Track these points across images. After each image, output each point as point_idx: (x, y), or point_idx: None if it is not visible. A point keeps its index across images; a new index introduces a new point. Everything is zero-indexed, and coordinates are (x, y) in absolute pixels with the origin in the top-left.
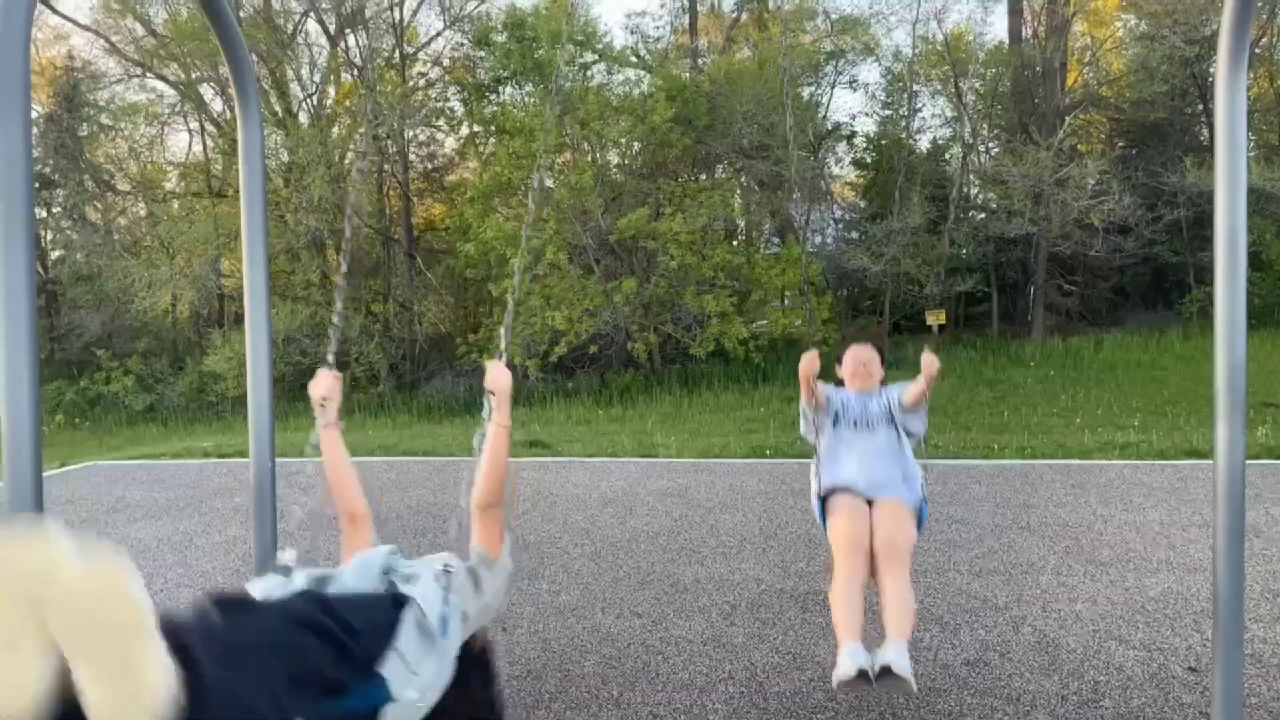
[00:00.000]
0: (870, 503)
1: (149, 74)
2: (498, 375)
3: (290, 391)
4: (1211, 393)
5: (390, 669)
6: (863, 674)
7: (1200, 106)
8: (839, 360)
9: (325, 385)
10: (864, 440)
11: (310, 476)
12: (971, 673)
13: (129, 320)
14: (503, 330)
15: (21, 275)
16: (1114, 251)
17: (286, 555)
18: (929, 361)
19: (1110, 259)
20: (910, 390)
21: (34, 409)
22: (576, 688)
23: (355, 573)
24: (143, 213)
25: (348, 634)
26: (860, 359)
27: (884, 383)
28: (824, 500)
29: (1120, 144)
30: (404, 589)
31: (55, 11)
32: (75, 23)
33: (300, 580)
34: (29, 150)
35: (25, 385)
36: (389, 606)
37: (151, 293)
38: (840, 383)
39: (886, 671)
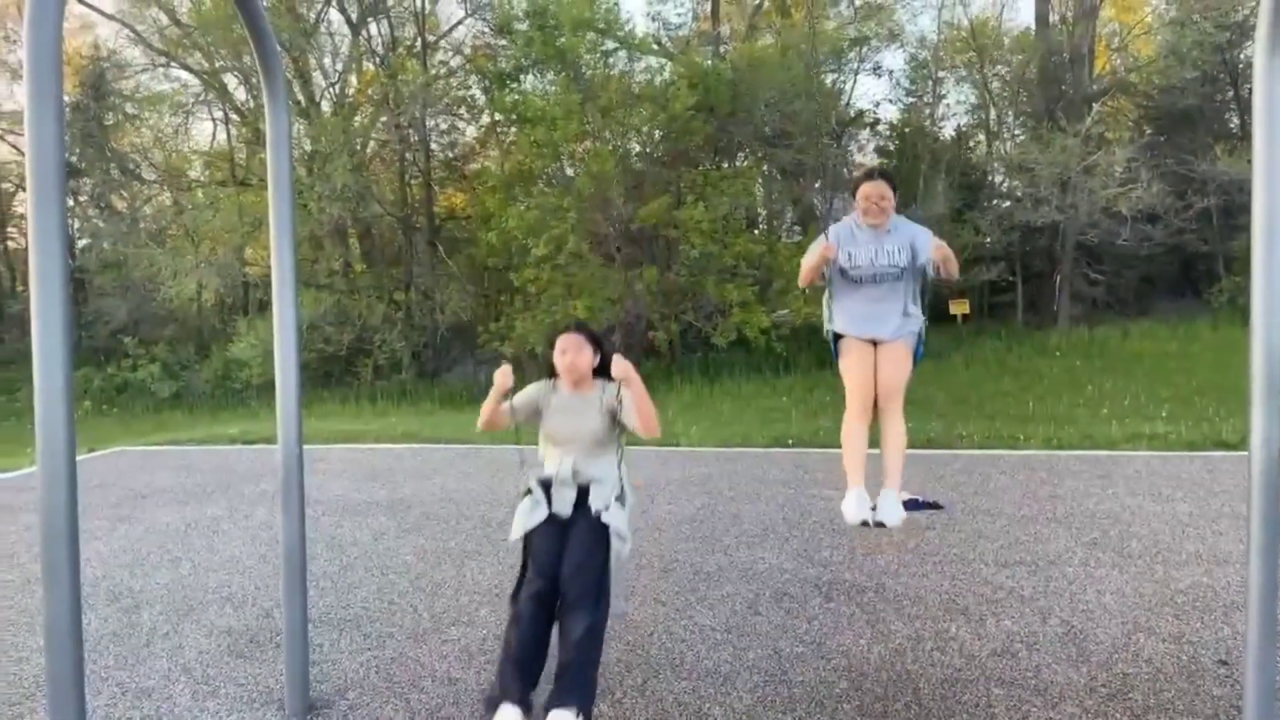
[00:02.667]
0: (875, 343)
1: (173, 63)
2: (625, 365)
3: (315, 378)
4: (1245, 382)
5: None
6: (864, 523)
7: (1231, 93)
8: (853, 192)
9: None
10: (869, 291)
11: (333, 463)
12: (998, 664)
13: (155, 308)
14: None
15: (56, 264)
16: (1142, 240)
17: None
18: (938, 250)
19: (1138, 248)
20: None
21: (67, 396)
22: (601, 675)
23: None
24: (168, 201)
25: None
26: (873, 196)
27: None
28: (836, 338)
29: (1149, 131)
30: (608, 519)
31: (81, 1)
32: (101, 12)
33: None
34: (61, 141)
35: (59, 373)
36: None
37: (177, 280)
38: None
39: (879, 522)
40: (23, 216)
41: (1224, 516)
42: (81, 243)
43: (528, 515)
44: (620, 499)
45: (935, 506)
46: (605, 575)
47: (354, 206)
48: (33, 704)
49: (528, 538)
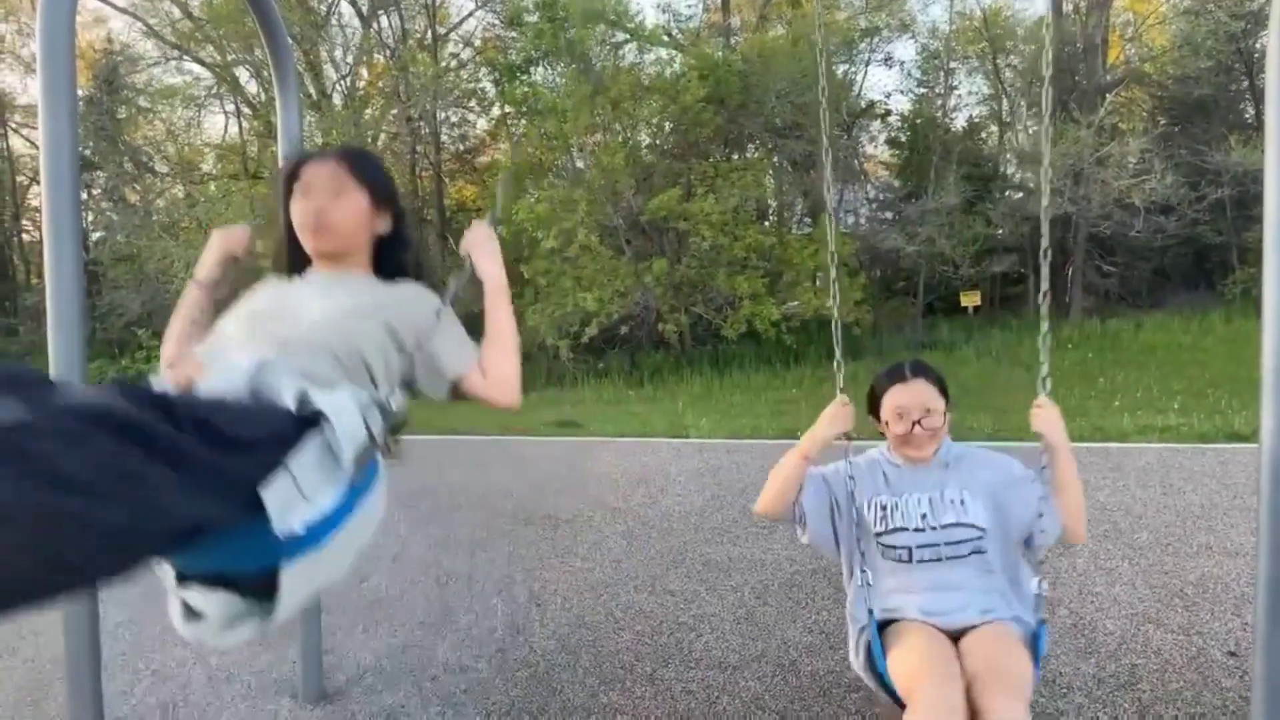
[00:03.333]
0: (953, 635)
1: (186, 57)
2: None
3: None
4: (1258, 375)
5: (273, 492)
6: None
7: (1246, 83)
8: (874, 410)
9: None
10: (932, 575)
11: None
12: None
13: (168, 300)
14: (499, 188)
15: (70, 259)
16: (1155, 232)
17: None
18: (1048, 423)
19: (1151, 239)
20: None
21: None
22: (610, 663)
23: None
24: (180, 194)
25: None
26: (912, 409)
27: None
28: (879, 627)
29: (1163, 121)
30: (318, 402)
31: None
32: (114, 5)
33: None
34: (75, 134)
35: (76, 368)
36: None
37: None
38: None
39: None
40: (38, 210)
41: (1235, 509)
42: (95, 236)
43: None
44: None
45: None
46: None
47: None
48: (50, 689)
49: None
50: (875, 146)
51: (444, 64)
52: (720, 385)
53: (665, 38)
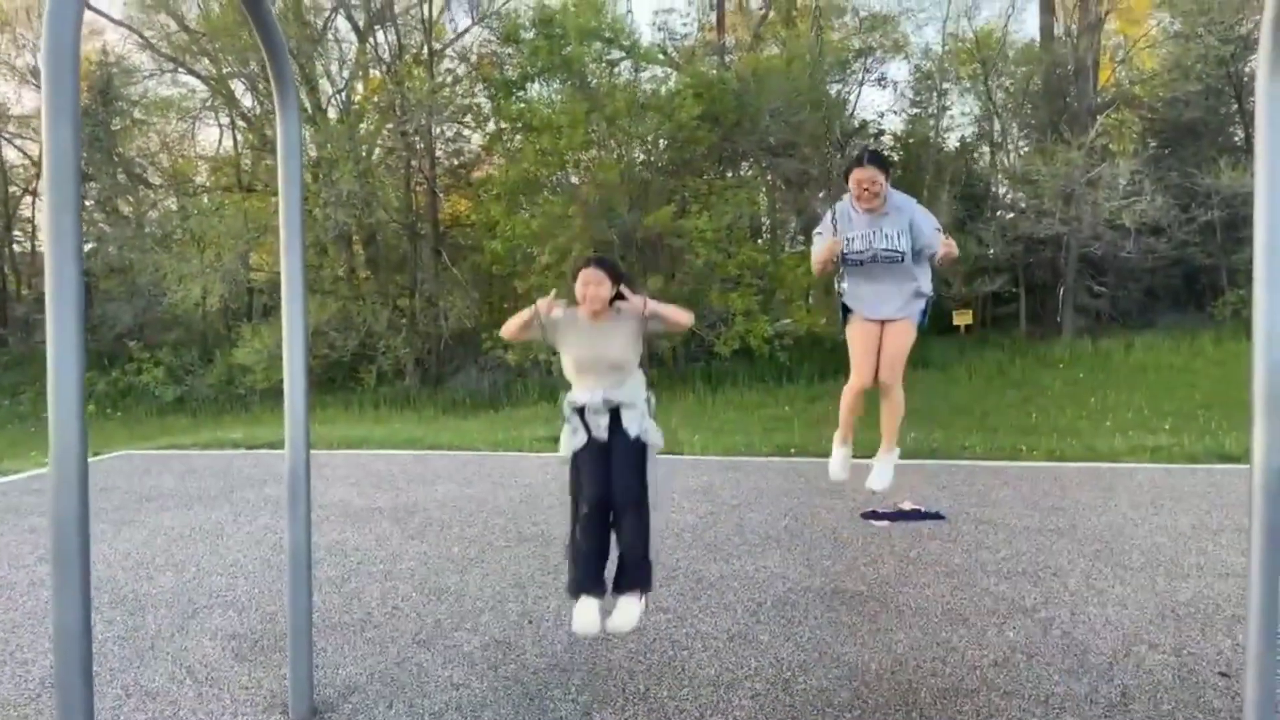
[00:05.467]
0: (881, 323)
1: (181, 69)
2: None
3: (318, 384)
4: (1248, 396)
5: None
6: (840, 481)
7: (1235, 106)
8: (845, 179)
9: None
10: (872, 271)
11: (336, 469)
12: (999, 674)
13: (160, 312)
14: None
15: (70, 271)
16: (1146, 253)
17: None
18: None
19: (1142, 260)
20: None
21: (79, 400)
22: (603, 681)
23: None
24: (174, 206)
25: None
26: (864, 181)
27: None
28: (845, 311)
29: (1153, 144)
30: (643, 437)
31: (90, 7)
32: (109, 18)
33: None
34: (78, 146)
35: (72, 378)
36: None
37: (183, 285)
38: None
39: (870, 488)
40: (29, 220)
41: (1226, 530)
42: (88, 247)
43: (570, 439)
44: (651, 413)
45: (937, 517)
46: (646, 481)
47: (359, 213)
48: (39, 705)
49: (575, 458)
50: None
51: (440, 79)
52: (713, 402)
53: (660, 56)
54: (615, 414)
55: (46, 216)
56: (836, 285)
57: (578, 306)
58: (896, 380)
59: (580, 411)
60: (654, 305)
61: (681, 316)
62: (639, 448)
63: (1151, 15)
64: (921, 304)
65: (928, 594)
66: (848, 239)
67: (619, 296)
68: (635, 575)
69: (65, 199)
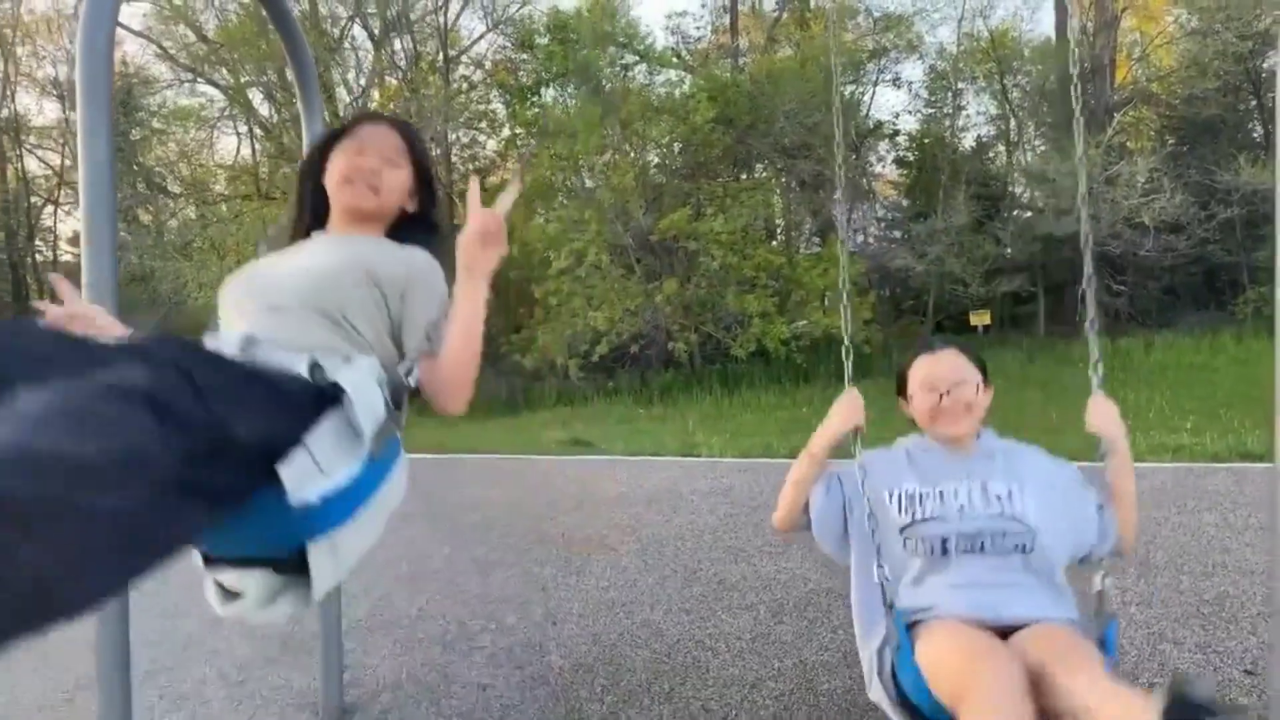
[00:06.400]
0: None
1: (199, 79)
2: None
3: None
4: (1270, 394)
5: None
6: None
7: (1254, 102)
8: (902, 391)
9: None
10: (973, 569)
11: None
12: None
13: (182, 320)
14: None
15: (107, 277)
16: (1165, 251)
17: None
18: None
19: (1161, 258)
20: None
21: None
22: (627, 681)
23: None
24: (193, 215)
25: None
26: (944, 379)
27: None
28: (906, 628)
29: (1171, 141)
30: (335, 375)
31: None
32: (128, 29)
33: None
34: (113, 157)
35: None
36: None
37: (204, 293)
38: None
39: None
40: (50, 230)
41: (1250, 528)
42: None
43: None
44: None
45: None
46: None
47: None
48: (73, 707)
49: None
50: (883, 166)
51: (455, 86)
52: (730, 404)
53: (674, 59)
54: None
55: (84, 227)
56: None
57: None
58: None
59: None
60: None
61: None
62: None
63: (1168, 11)
64: (1077, 614)
65: None
66: (905, 496)
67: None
68: None
69: (102, 212)
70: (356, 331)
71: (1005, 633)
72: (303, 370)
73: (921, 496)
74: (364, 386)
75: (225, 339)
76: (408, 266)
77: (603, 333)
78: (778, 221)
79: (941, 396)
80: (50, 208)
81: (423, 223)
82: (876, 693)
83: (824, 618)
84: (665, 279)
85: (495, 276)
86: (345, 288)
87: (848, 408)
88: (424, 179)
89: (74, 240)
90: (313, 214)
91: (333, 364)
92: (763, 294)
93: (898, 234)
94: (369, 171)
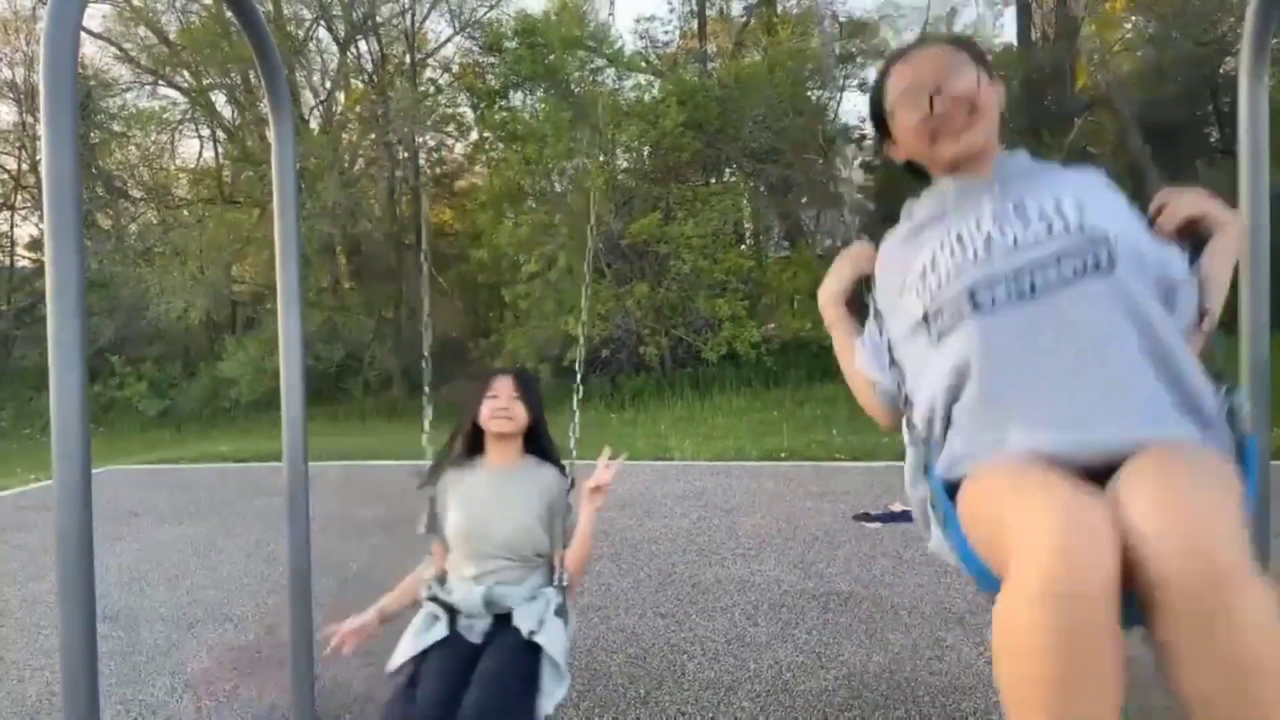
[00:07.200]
0: (1098, 475)
1: (160, 81)
2: (609, 476)
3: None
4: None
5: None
6: None
7: (1211, 106)
8: (881, 123)
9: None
10: (1047, 319)
11: (327, 481)
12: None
13: (142, 326)
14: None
15: (72, 288)
16: None
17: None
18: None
19: None
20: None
21: (82, 416)
22: (603, 686)
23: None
24: (154, 219)
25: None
26: (921, 76)
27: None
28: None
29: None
30: (537, 638)
31: None
32: (88, 31)
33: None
34: (78, 161)
35: (75, 395)
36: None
37: (165, 299)
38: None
39: None
40: (5, 234)
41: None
42: None
43: (420, 635)
44: (560, 613)
45: None
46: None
47: (344, 223)
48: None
49: (418, 659)
50: (849, 170)
51: (422, 89)
52: (702, 407)
53: (643, 64)
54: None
55: (47, 231)
56: (914, 458)
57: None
58: (1235, 557)
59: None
60: (599, 491)
61: (582, 558)
62: (527, 657)
63: (1127, 18)
64: (1224, 432)
65: (922, 594)
66: (928, 262)
67: (535, 438)
68: None
69: (66, 220)
70: (544, 558)
71: (1100, 473)
72: (524, 630)
73: (934, 262)
74: (557, 638)
75: (463, 582)
76: (556, 496)
77: (574, 337)
78: (747, 225)
79: (932, 100)
80: (6, 212)
81: (540, 431)
82: (936, 544)
83: (798, 619)
84: (636, 283)
85: (464, 279)
86: (537, 537)
87: (854, 254)
88: (537, 412)
89: (32, 245)
90: (474, 437)
91: (524, 614)
92: (733, 297)
93: (865, 237)
94: (505, 411)
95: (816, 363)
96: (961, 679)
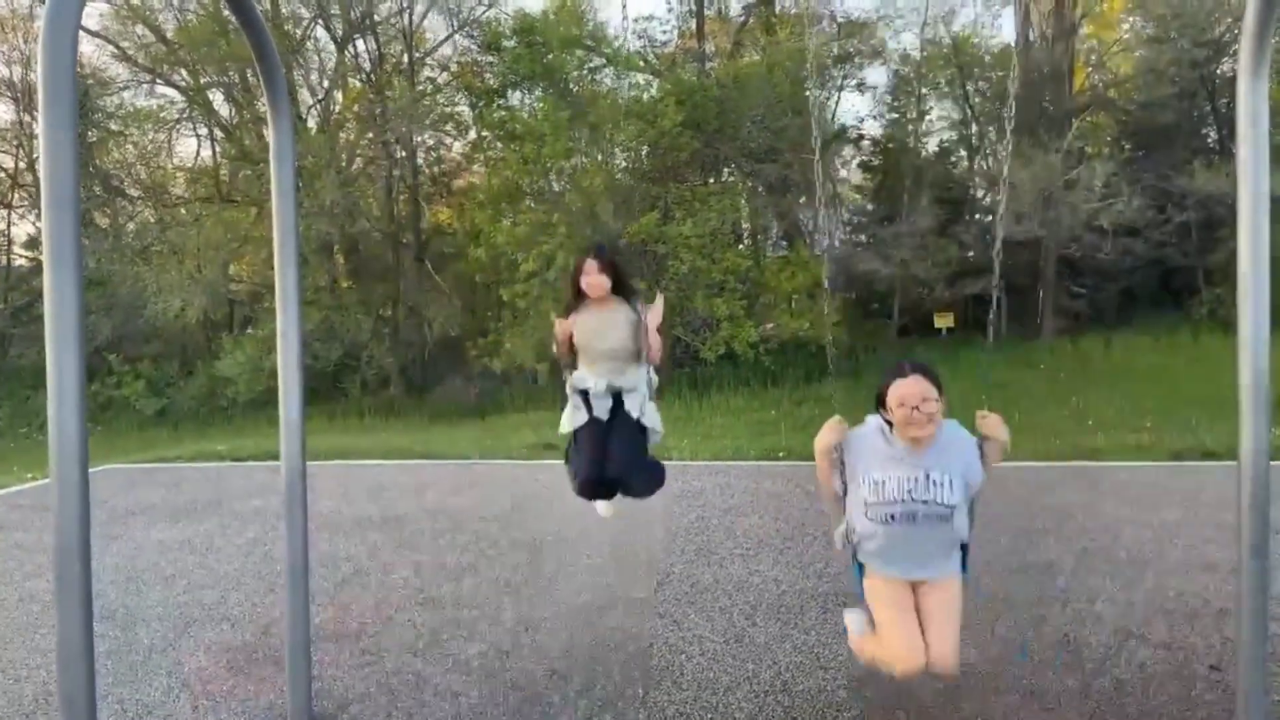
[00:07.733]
0: (914, 585)
1: (158, 80)
2: (658, 314)
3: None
4: (1228, 393)
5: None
6: None
7: (1209, 108)
8: (881, 402)
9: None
10: (903, 533)
11: (325, 480)
12: (994, 671)
13: (140, 325)
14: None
15: (70, 289)
16: (1123, 254)
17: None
18: (993, 426)
19: (1119, 261)
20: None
21: (79, 415)
22: (602, 686)
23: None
24: (152, 218)
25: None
26: (911, 399)
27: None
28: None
29: (1128, 146)
30: (644, 421)
31: None
32: (85, 29)
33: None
34: (77, 161)
35: (72, 393)
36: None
37: (162, 298)
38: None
39: None
40: (1, 233)
41: (1210, 524)
42: None
43: (572, 416)
44: (652, 397)
45: None
46: (644, 457)
47: (342, 222)
48: None
49: (575, 434)
50: (848, 170)
51: (420, 88)
52: (700, 407)
53: (641, 63)
54: (617, 397)
55: (46, 237)
56: (845, 541)
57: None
58: (956, 661)
59: (584, 393)
60: (653, 321)
61: (657, 351)
62: (638, 429)
63: (1125, 19)
64: (959, 554)
65: None
66: (873, 480)
67: (621, 287)
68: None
69: (64, 219)
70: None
71: (916, 585)
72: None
73: (883, 483)
74: (650, 412)
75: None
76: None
77: None
78: (744, 225)
79: (913, 410)
80: (4, 211)
81: (623, 283)
82: (840, 545)
83: (796, 619)
84: (634, 283)
85: (461, 279)
86: (631, 347)
87: (830, 430)
88: (619, 271)
89: (29, 244)
90: (576, 295)
91: (631, 400)
92: (731, 297)
93: (863, 238)
94: (600, 284)
95: (814, 362)
96: (961, 679)
